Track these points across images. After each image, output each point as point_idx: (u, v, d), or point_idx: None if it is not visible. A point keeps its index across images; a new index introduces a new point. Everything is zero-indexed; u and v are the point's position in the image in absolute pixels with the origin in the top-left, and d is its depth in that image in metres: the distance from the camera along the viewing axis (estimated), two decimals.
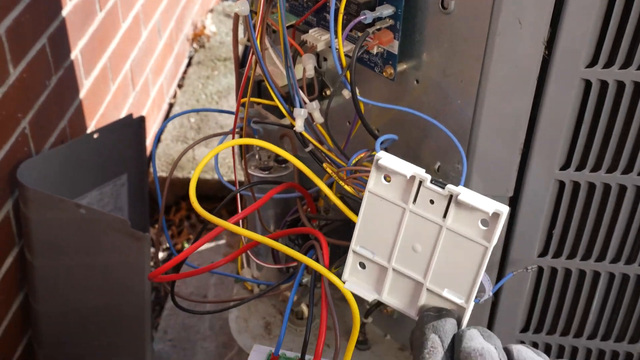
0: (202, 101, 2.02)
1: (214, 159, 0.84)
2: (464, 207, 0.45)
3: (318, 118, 0.66)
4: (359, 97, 0.62)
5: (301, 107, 0.65)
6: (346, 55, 0.66)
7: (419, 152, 0.69)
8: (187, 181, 1.77)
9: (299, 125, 0.65)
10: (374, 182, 0.48)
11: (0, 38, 1.03)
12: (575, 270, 0.70)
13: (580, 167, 0.64)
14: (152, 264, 1.51)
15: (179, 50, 2.06)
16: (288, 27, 0.67)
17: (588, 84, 0.59)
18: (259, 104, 0.74)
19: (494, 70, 0.58)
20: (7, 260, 1.09)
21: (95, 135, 1.24)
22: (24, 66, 1.11)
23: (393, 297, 0.51)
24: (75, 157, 1.20)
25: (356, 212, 0.52)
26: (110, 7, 1.46)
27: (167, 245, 1.70)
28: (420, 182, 0.46)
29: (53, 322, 1.13)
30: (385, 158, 0.48)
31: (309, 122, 0.67)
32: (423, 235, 0.47)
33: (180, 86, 2.07)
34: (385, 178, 0.48)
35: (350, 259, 0.51)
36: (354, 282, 0.52)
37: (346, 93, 0.63)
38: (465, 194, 0.45)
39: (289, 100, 0.67)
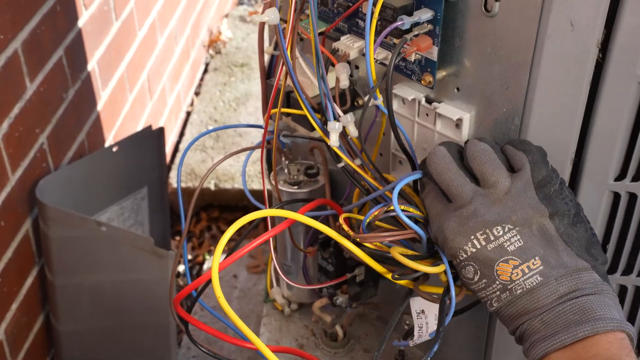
0: (219, 108, 1.98)
1: (241, 173, 0.80)
2: (443, 117, 0.60)
3: (353, 132, 0.62)
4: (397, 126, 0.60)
5: (335, 119, 0.61)
6: (381, 63, 0.62)
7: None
8: (207, 191, 1.73)
9: (334, 140, 0.61)
10: (397, 105, 0.64)
11: (16, 51, 1.00)
12: (631, 287, 0.65)
13: (637, 178, 0.59)
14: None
15: (196, 57, 2.03)
16: (318, 35, 0.64)
17: None
18: (288, 115, 0.70)
19: (542, 76, 0.54)
20: (27, 280, 1.06)
21: (114, 149, 1.21)
22: (41, 79, 1.08)
23: None
24: (94, 172, 1.17)
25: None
26: (127, 16, 1.43)
27: (189, 257, 1.67)
28: (419, 102, 0.62)
29: (76, 342, 1.10)
30: (397, 89, 0.63)
31: (343, 135, 0.63)
32: (427, 138, 0.62)
33: (197, 94, 2.05)
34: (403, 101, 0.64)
35: (390, 158, 0.68)
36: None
37: (370, 101, 0.59)
38: (441, 108, 0.60)
39: (319, 112, 0.63)
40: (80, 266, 1.06)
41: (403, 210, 0.58)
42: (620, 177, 0.59)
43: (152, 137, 1.29)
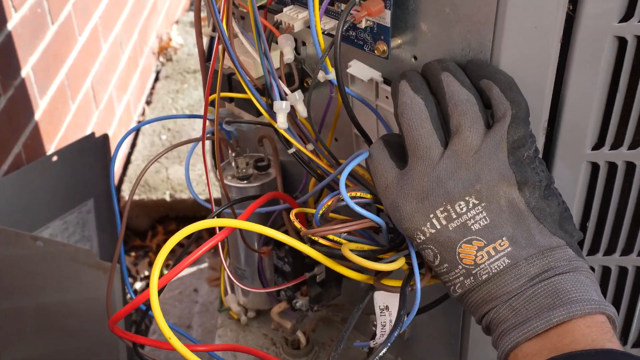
0: None
1: (185, 178, 0.73)
2: None
3: (302, 111, 0.56)
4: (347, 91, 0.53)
5: (282, 99, 0.54)
6: (328, 34, 0.56)
7: None
8: (162, 203, 1.65)
9: (281, 122, 0.54)
10: (356, 86, 0.58)
11: None
12: (614, 267, 0.60)
13: (616, 145, 0.54)
14: (128, 296, 1.39)
15: (145, 64, 1.95)
16: (259, 8, 0.57)
17: (622, 43, 0.50)
18: (231, 100, 0.63)
19: (508, 35, 0.49)
20: None
21: (54, 158, 1.12)
22: None
23: None
24: (32, 184, 1.08)
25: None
26: (64, 20, 1.34)
27: (146, 273, 1.58)
28: (377, 84, 0.56)
29: None
30: (354, 67, 0.57)
31: (292, 117, 0.57)
32: (391, 122, 0.57)
33: (148, 102, 1.96)
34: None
35: (354, 140, 0.63)
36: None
37: (321, 76, 0.53)
38: None
39: (265, 94, 0.56)
40: (19, 287, 0.97)
41: (354, 198, 0.51)
42: (598, 145, 0.54)
43: (96, 146, 1.20)
